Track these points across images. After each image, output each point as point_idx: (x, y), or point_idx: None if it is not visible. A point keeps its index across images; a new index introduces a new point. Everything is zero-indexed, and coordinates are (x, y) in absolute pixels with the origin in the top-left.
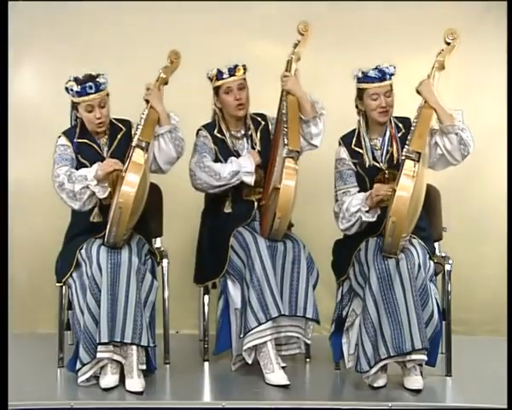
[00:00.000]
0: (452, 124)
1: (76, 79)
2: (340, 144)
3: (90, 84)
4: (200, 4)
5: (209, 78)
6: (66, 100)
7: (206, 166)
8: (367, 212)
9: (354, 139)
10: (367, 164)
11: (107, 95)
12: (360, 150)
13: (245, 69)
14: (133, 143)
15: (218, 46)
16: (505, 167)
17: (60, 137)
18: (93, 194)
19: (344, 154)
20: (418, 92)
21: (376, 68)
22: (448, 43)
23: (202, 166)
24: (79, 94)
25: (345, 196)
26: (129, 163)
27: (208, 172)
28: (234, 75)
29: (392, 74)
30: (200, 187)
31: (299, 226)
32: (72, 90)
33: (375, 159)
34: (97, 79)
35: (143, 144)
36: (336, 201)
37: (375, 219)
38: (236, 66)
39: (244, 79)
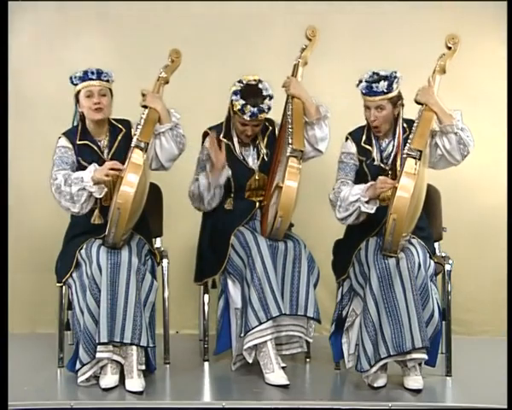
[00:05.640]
0: (451, 124)
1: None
2: (347, 139)
3: (93, 70)
4: (204, 4)
5: (232, 91)
6: (66, 98)
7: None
8: (366, 202)
9: (364, 136)
10: (375, 162)
11: (111, 91)
12: (369, 148)
13: (269, 108)
14: (132, 144)
15: (222, 44)
16: (505, 167)
17: (60, 138)
18: (90, 195)
19: (353, 149)
20: (418, 102)
21: (366, 82)
22: (449, 48)
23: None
24: (81, 79)
25: (342, 186)
26: (128, 164)
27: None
28: (257, 118)
29: (383, 92)
30: (192, 204)
31: (299, 226)
32: (75, 77)
33: (381, 159)
34: (101, 70)
35: (142, 145)
36: (333, 189)
37: (373, 211)
38: (262, 111)
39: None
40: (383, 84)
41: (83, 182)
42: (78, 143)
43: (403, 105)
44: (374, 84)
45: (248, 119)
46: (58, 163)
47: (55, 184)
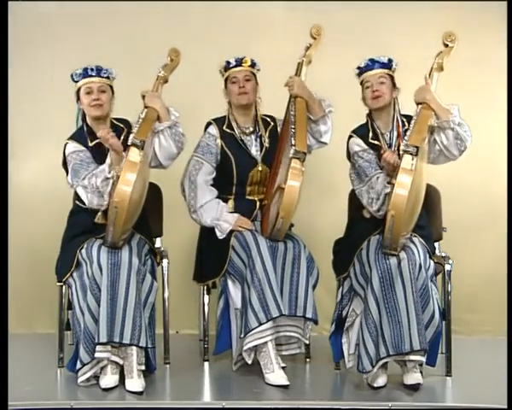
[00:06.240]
0: (448, 119)
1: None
2: (352, 137)
3: (92, 67)
4: (204, 4)
5: (220, 70)
6: (66, 99)
7: (193, 183)
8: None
9: (370, 133)
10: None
11: (112, 88)
12: (378, 143)
13: (253, 63)
14: (128, 142)
15: (222, 44)
16: (505, 167)
17: (67, 143)
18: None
19: (363, 144)
20: (416, 102)
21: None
22: (446, 45)
23: (192, 181)
24: (81, 76)
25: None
26: (124, 162)
27: (192, 197)
28: (240, 65)
29: (384, 64)
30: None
31: (299, 226)
32: (75, 74)
33: None
34: (100, 67)
35: (138, 142)
36: (372, 188)
37: None
38: (244, 57)
39: (252, 73)
40: (384, 58)
41: (104, 172)
42: (91, 145)
43: (398, 101)
44: (375, 58)
45: (234, 63)
46: (77, 169)
47: (83, 185)
